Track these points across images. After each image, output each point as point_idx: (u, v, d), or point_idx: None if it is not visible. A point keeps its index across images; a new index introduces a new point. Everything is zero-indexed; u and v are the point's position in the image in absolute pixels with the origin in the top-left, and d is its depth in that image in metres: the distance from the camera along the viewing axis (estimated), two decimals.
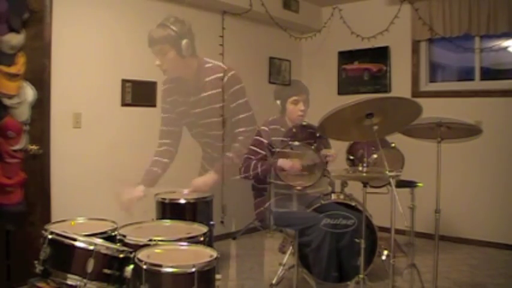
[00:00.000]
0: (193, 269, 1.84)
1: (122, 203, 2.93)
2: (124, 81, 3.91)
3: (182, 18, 2.86)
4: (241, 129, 3.03)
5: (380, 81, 5.22)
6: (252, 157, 3.02)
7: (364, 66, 5.35)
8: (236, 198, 3.13)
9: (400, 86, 5.03)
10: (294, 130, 3.01)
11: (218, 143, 3.03)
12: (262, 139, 3.08)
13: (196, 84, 2.93)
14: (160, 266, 1.86)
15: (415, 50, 4.99)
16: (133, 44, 3.92)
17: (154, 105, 4.13)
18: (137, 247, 2.06)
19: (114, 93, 3.87)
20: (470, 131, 2.80)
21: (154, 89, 4.12)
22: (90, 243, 1.99)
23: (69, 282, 1.94)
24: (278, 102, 3.19)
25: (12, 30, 3.07)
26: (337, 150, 3.12)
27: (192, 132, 3.51)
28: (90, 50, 3.67)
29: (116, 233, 2.27)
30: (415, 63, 5.00)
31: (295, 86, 3.30)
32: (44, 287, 2.02)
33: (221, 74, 2.92)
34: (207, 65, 2.98)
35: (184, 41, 2.83)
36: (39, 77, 3.30)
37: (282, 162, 2.84)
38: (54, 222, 2.39)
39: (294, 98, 3.13)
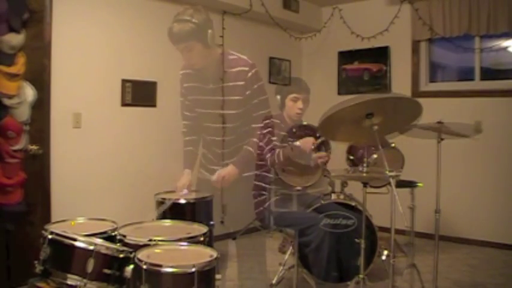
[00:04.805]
0: (193, 269, 1.84)
1: (178, 189, 2.96)
2: (124, 81, 3.91)
3: (198, 6, 2.78)
4: (259, 125, 3.01)
5: (380, 81, 5.22)
6: (276, 146, 3.00)
7: (364, 66, 5.35)
8: (236, 198, 3.10)
9: (400, 86, 5.03)
10: (294, 130, 3.01)
11: (223, 137, 2.97)
12: (270, 129, 3.06)
13: (217, 73, 2.87)
14: (160, 266, 1.85)
15: (415, 50, 4.99)
16: (133, 43, 3.93)
17: (154, 105, 4.14)
18: (137, 247, 2.05)
19: (114, 93, 3.88)
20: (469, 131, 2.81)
21: (155, 89, 4.13)
22: (90, 243, 1.99)
23: (69, 282, 1.94)
24: (278, 97, 3.20)
25: (12, 30, 3.06)
26: (330, 150, 3.05)
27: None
28: (90, 50, 3.67)
29: (116, 233, 2.26)
30: (415, 63, 5.00)
31: (297, 84, 3.29)
32: (44, 287, 2.02)
33: (246, 68, 2.85)
34: (231, 57, 2.92)
35: (209, 32, 2.78)
36: (39, 77, 3.30)
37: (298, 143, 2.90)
38: (54, 222, 2.39)
39: (294, 95, 3.12)
